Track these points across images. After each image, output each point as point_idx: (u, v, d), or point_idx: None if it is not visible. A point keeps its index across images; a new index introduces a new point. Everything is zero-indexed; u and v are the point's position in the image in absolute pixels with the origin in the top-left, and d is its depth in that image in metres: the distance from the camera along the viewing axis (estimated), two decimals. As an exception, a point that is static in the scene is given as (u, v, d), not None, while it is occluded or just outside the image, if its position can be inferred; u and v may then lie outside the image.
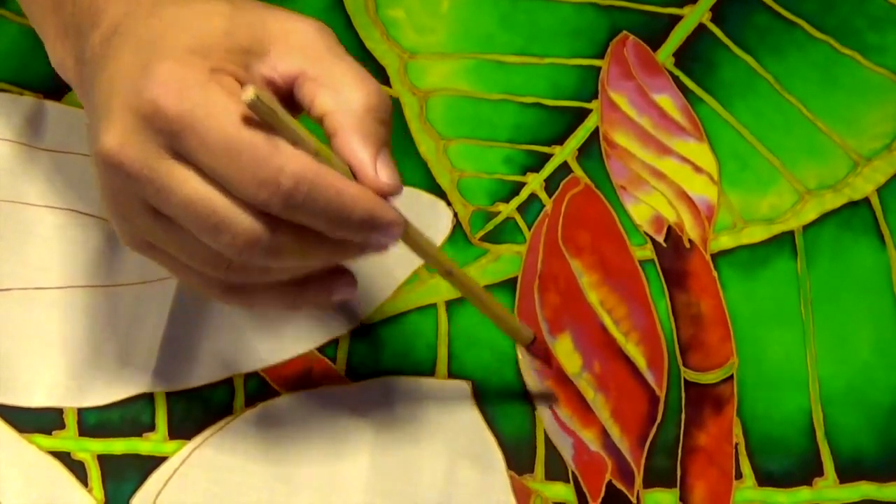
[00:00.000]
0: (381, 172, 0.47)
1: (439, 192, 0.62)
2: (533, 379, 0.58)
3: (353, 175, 0.47)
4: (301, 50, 0.47)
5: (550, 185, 0.63)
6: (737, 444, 0.57)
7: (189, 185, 0.45)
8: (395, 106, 0.64)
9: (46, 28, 0.53)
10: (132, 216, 0.47)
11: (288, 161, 0.45)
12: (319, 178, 0.45)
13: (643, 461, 0.57)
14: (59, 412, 0.57)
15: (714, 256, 0.61)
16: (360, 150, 0.47)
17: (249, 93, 0.43)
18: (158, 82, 0.45)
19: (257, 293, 0.50)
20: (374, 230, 0.47)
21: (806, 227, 0.62)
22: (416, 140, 0.63)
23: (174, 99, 0.45)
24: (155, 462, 0.56)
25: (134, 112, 0.45)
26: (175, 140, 0.45)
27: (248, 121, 0.45)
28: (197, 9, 0.48)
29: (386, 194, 0.47)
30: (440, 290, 0.60)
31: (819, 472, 0.57)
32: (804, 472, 0.57)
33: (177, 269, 0.50)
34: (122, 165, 0.45)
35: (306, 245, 0.47)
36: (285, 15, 0.49)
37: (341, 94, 0.48)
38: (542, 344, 0.57)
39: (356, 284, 0.51)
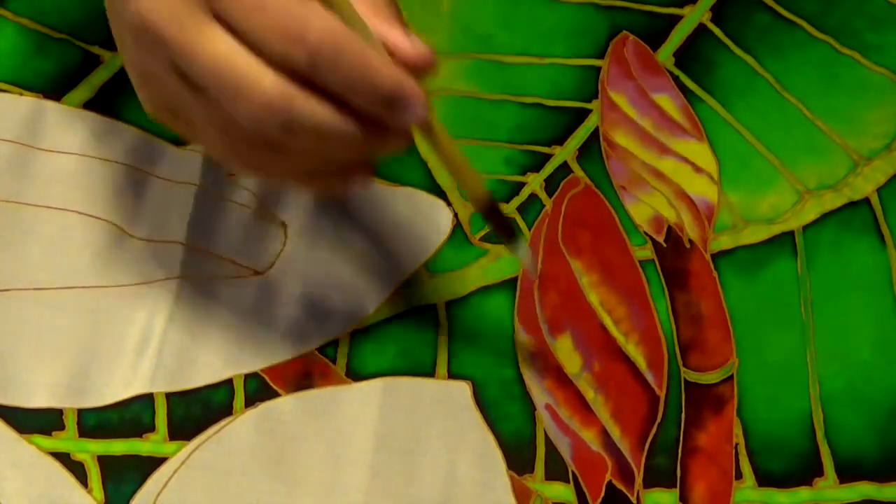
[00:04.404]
0: (417, 43, 0.47)
1: (439, 192, 0.62)
2: (533, 379, 0.58)
3: (387, 50, 0.47)
4: None
5: (550, 185, 0.63)
6: (737, 445, 0.57)
7: (216, 44, 0.45)
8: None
9: None
10: (157, 79, 0.47)
11: (316, 17, 0.45)
12: (347, 40, 0.45)
13: (643, 461, 0.57)
14: (58, 413, 0.57)
15: (714, 256, 0.61)
16: (388, 27, 0.47)
17: None
18: None
19: (276, 171, 0.50)
20: (399, 104, 0.47)
21: (806, 227, 0.62)
22: (415, 140, 0.63)
23: None
24: (155, 463, 0.56)
25: None
26: None
27: None
28: None
29: (425, 61, 0.47)
30: (440, 291, 0.60)
31: (819, 472, 0.57)
32: (804, 472, 0.57)
33: (198, 137, 0.50)
34: (154, 25, 0.45)
35: (325, 124, 0.46)
36: None
37: None
38: (494, 207, 0.54)
39: (370, 178, 0.51)
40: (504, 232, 0.54)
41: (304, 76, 0.45)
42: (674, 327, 0.59)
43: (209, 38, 0.45)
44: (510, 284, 0.60)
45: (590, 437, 0.57)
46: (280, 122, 0.46)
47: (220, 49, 0.45)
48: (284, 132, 0.46)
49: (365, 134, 0.47)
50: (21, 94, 0.63)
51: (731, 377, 0.59)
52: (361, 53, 0.45)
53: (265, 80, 0.45)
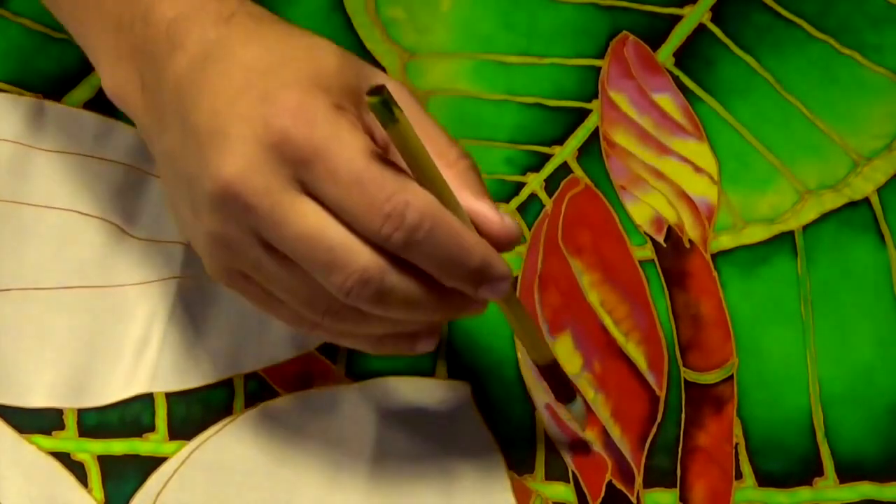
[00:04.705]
0: (506, 217, 0.48)
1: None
2: (532, 379, 0.58)
3: (474, 223, 0.48)
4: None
5: (550, 185, 0.63)
6: (737, 444, 0.57)
7: (310, 218, 0.45)
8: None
9: (102, 49, 0.52)
10: (238, 247, 0.47)
11: (415, 197, 0.45)
12: (442, 219, 0.46)
13: (643, 461, 0.57)
14: (58, 412, 0.57)
15: (714, 256, 0.61)
16: (477, 200, 0.48)
17: (384, 93, 0.43)
18: (287, 111, 0.45)
19: (346, 335, 0.50)
20: (485, 281, 0.47)
21: (806, 227, 0.62)
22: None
23: (305, 129, 0.45)
24: (155, 462, 0.56)
25: (259, 140, 0.45)
26: (302, 170, 0.45)
27: (377, 155, 0.45)
28: (305, 41, 0.49)
29: (513, 236, 0.48)
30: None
31: (819, 472, 0.57)
32: (804, 472, 0.57)
33: (268, 303, 0.50)
34: (243, 195, 0.45)
35: (413, 296, 0.47)
36: (378, 71, 0.50)
37: (444, 157, 0.48)
38: (558, 370, 0.56)
39: (438, 339, 0.52)
40: (565, 393, 0.55)
41: (396, 251, 0.46)
42: (674, 327, 0.59)
43: (300, 209, 0.45)
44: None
45: (590, 437, 0.57)
46: (372, 294, 0.46)
47: (311, 221, 0.45)
48: (375, 304, 0.47)
49: (448, 304, 0.48)
50: (21, 94, 0.63)
51: (731, 377, 0.59)
52: (456, 234, 0.46)
53: (361, 255, 0.45)
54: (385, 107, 0.43)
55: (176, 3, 0.49)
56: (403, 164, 0.46)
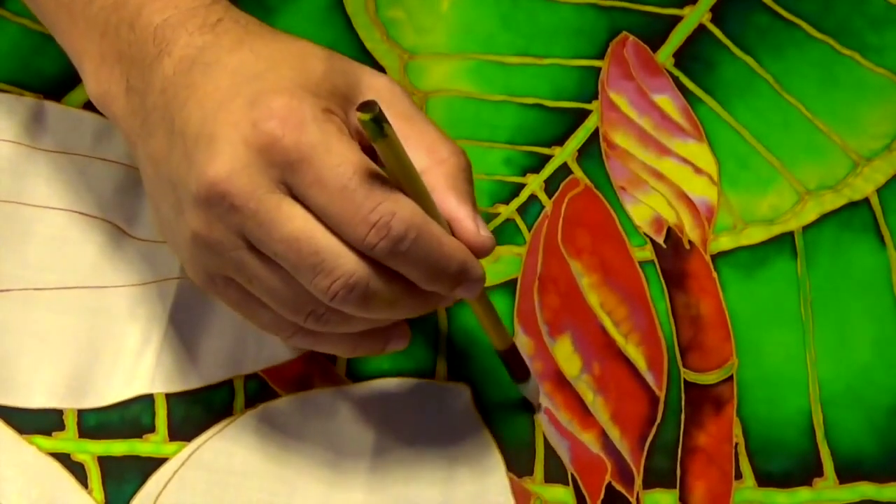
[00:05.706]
0: (482, 228, 0.49)
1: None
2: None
3: (452, 229, 0.48)
4: (391, 106, 0.48)
5: (550, 186, 0.63)
6: (736, 445, 0.57)
7: (296, 221, 0.46)
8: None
9: (87, 53, 0.53)
10: (222, 249, 0.47)
11: (401, 207, 0.46)
12: (426, 228, 0.46)
13: (643, 462, 0.57)
14: (59, 413, 0.57)
15: (714, 257, 0.61)
16: (459, 206, 0.49)
17: (375, 109, 0.43)
18: (276, 115, 0.45)
19: (324, 339, 0.51)
20: (462, 283, 0.48)
21: (806, 228, 0.62)
22: None
23: (293, 133, 0.45)
24: (155, 463, 0.56)
25: (247, 143, 0.45)
26: (290, 174, 0.45)
27: (364, 163, 0.46)
28: (292, 46, 0.49)
29: (486, 248, 0.49)
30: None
31: (819, 472, 0.57)
32: (804, 472, 0.57)
33: (249, 307, 0.50)
34: (229, 196, 0.46)
35: (396, 297, 0.48)
36: (367, 69, 0.50)
37: (435, 154, 0.49)
38: (515, 352, 0.56)
39: (409, 337, 0.52)
40: (520, 372, 0.56)
41: (380, 259, 0.47)
42: (673, 328, 0.60)
43: (287, 212, 0.46)
44: (510, 286, 0.60)
45: (589, 439, 0.57)
46: (357, 297, 0.47)
47: (298, 224, 0.46)
48: (359, 307, 0.47)
49: (423, 302, 0.49)
50: (21, 94, 0.64)
51: (731, 377, 0.59)
52: (438, 244, 0.47)
53: (347, 259, 0.46)
54: (375, 123, 0.44)
55: (163, 9, 0.50)
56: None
